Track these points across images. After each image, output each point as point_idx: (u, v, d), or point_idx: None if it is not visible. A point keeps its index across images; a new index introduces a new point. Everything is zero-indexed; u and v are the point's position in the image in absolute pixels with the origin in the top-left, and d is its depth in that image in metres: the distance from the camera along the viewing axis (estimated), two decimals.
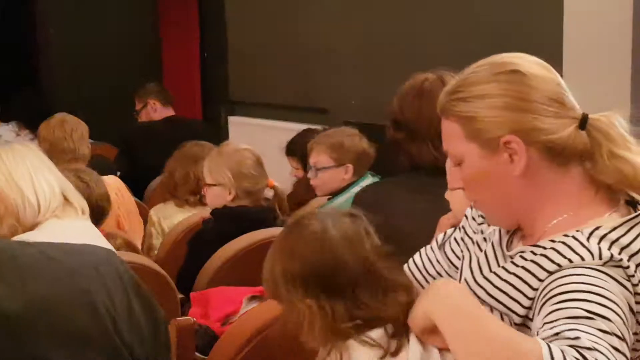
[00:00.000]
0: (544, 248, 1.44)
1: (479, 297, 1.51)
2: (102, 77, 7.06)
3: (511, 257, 1.52)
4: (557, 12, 4.14)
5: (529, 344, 1.25)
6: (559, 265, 1.39)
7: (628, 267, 1.38)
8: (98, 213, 2.97)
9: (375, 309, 1.53)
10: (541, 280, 1.41)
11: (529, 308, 1.43)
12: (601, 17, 3.96)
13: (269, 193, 3.30)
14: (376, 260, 1.57)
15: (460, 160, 1.53)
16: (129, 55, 7.24)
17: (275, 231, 2.86)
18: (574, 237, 1.42)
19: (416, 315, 1.46)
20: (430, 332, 1.43)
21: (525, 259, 1.46)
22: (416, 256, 1.83)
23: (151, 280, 2.63)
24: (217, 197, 3.17)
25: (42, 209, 2.16)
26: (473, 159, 1.50)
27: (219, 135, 6.02)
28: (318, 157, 3.45)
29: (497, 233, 1.61)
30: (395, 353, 1.50)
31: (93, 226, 2.29)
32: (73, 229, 2.13)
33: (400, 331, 1.52)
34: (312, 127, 4.41)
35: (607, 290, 1.33)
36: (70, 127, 3.89)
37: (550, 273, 1.39)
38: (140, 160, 4.98)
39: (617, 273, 1.37)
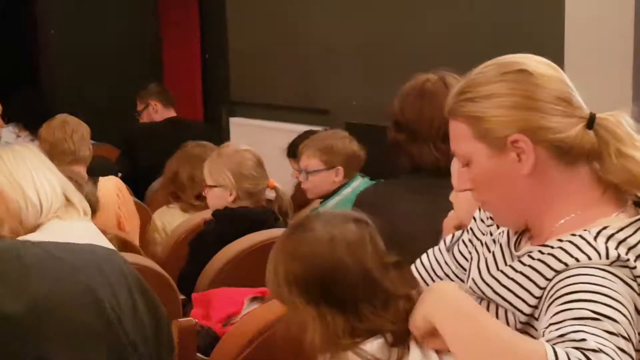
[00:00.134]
0: (552, 247, 1.44)
1: (485, 295, 1.51)
2: (102, 78, 7.05)
3: (519, 257, 1.52)
4: (559, 13, 4.14)
5: (531, 345, 1.26)
6: (565, 264, 1.39)
7: (635, 267, 1.38)
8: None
9: (375, 321, 1.52)
10: (548, 280, 1.41)
11: (535, 307, 1.43)
12: (602, 18, 3.96)
13: (271, 194, 3.30)
14: (378, 271, 1.54)
15: (469, 160, 1.53)
16: (130, 56, 7.24)
17: (276, 232, 2.85)
18: (581, 236, 1.43)
19: (416, 319, 1.46)
20: (431, 335, 1.44)
21: (533, 258, 1.46)
22: (424, 257, 1.83)
23: (153, 282, 2.62)
24: (218, 198, 3.17)
25: (45, 210, 2.16)
26: (481, 159, 1.51)
27: (219, 136, 6.02)
28: (308, 161, 3.47)
29: (505, 234, 1.61)
30: None
31: (95, 227, 2.29)
32: (75, 229, 2.13)
33: (402, 339, 1.51)
34: (313, 128, 4.41)
35: (614, 290, 1.33)
36: (71, 128, 3.88)
37: (558, 272, 1.40)
38: (141, 161, 4.98)
39: (623, 273, 1.37)
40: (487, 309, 1.52)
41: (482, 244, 1.67)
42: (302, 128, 4.52)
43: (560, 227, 1.48)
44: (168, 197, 3.80)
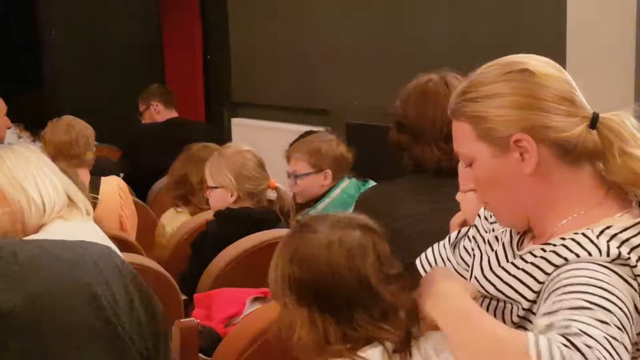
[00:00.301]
0: (554, 245, 1.44)
1: (488, 293, 1.52)
2: (104, 79, 7.06)
3: (521, 256, 1.52)
4: (561, 13, 4.14)
5: (513, 333, 1.29)
6: (565, 259, 1.40)
7: (635, 266, 1.38)
8: None
9: (372, 331, 1.51)
10: (548, 274, 1.41)
11: (534, 301, 1.43)
12: (605, 17, 3.96)
13: (272, 194, 3.30)
14: (377, 280, 1.53)
15: (472, 160, 1.53)
16: (131, 57, 7.25)
17: (278, 232, 2.86)
18: (583, 234, 1.43)
19: (424, 310, 1.48)
20: (435, 327, 1.48)
21: (535, 256, 1.46)
22: (428, 252, 1.83)
23: (154, 282, 2.63)
24: (220, 199, 3.18)
25: (48, 210, 2.16)
26: (484, 158, 1.51)
27: (221, 137, 6.02)
28: (296, 165, 3.47)
29: (508, 233, 1.62)
30: None
31: (98, 227, 2.29)
32: (78, 230, 2.13)
33: (404, 346, 1.51)
34: (315, 128, 4.41)
35: (611, 285, 1.33)
36: (77, 131, 3.85)
37: (557, 267, 1.40)
38: (143, 161, 4.98)
39: (623, 271, 1.37)
40: (488, 307, 1.53)
41: (484, 241, 1.68)
42: (304, 128, 4.51)
43: (563, 227, 1.48)
44: (176, 201, 3.76)
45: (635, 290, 1.37)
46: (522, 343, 1.23)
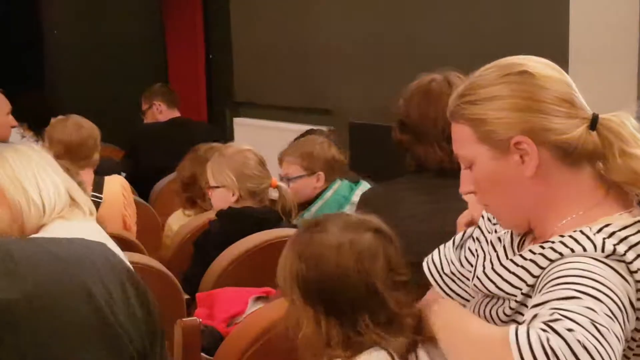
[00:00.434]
0: (552, 242, 1.45)
1: (489, 291, 1.53)
2: (106, 78, 7.07)
3: (521, 254, 1.53)
4: (563, 14, 4.14)
5: (494, 329, 1.33)
6: (560, 253, 1.40)
7: (631, 262, 1.38)
8: None
9: (376, 336, 1.51)
10: (543, 268, 1.42)
11: (528, 295, 1.44)
12: (607, 18, 3.96)
13: (274, 193, 3.30)
14: (384, 286, 1.53)
15: (472, 162, 1.53)
16: (134, 56, 7.25)
17: (281, 232, 2.86)
18: (581, 231, 1.43)
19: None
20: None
21: (534, 253, 1.47)
22: (435, 253, 1.83)
23: (157, 281, 2.63)
24: (221, 198, 3.18)
25: (48, 211, 2.15)
26: (484, 161, 1.51)
27: (224, 136, 6.02)
28: (289, 168, 3.48)
29: (509, 235, 1.62)
30: None
31: (100, 228, 2.28)
32: (80, 230, 2.13)
33: (409, 350, 1.51)
34: (317, 128, 4.41)
35: (604, 277, 1.33)
36: (87, 132, 3.83)
37: (552, 261, 1.41)
38: (145, 161, 4.98)
39: (619, 267, 1.37)
40: (488, 305, 1.54)
41: (487, 242, 1.68)
42: (306, 128, 4.52)
43: (563, 227, 1.49)
44: (184, 203, 3.76)
45: (630, 285, 1.36)
46: (503, 336, 1.24)
